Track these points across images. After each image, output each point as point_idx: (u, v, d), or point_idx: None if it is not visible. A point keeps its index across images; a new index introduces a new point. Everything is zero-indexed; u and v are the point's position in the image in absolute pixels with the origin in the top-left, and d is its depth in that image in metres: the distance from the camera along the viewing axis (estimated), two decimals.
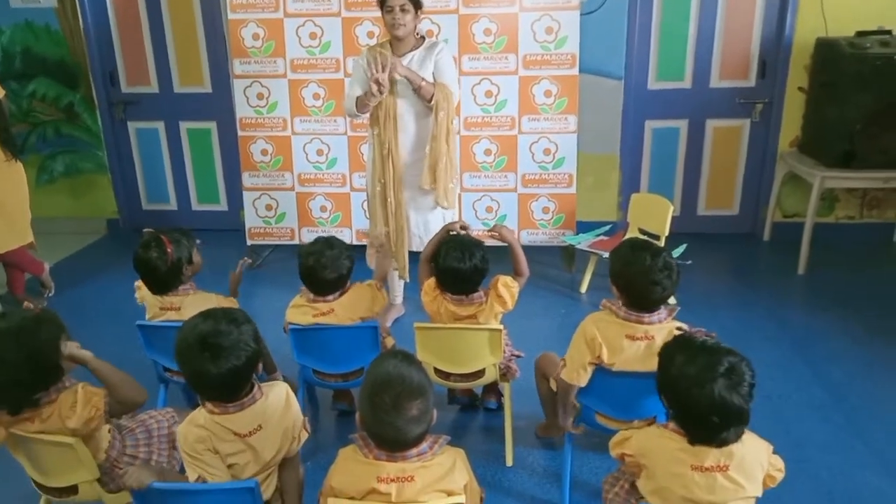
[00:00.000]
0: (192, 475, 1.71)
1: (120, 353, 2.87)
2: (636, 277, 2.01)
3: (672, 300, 3.61)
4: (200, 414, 1.75)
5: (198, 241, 2.57)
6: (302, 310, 2.52)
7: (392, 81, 3.06)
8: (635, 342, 2.04)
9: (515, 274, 2.52)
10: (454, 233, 2.61)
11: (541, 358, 2.53)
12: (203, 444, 1.71)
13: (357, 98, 3.14)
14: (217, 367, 1.66)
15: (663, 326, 2.04)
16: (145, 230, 2.52)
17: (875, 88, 3.76)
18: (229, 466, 1.75)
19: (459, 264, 2.39)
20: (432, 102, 3.12)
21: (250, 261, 2.80)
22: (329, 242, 2.52)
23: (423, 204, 3.28)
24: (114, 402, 1.94)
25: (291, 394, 1.85)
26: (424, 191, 3.26)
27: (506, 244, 2.62)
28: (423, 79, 3.09)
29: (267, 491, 1.82)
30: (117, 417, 2.06)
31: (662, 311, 2.07)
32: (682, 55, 4.42)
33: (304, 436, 1.87)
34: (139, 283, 2.55)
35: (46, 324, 1.88)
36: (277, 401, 1.81)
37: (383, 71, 2.99)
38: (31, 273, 4.00)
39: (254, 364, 1.74)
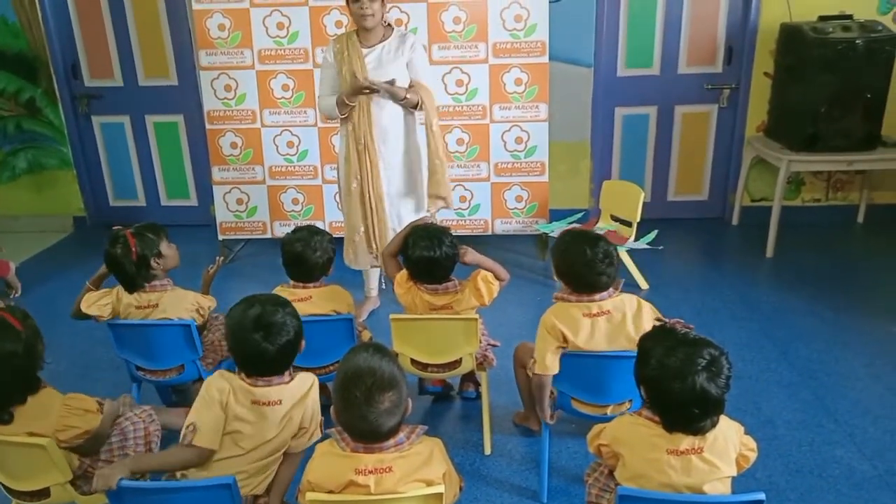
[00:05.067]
0: (189, 419, 1.79)
1: (90, 353, 2.84)
2: (580, 270, 2.11)
3: (643, 284, 3.67)
4: (233, 374, 1.86)
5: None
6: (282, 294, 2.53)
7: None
8: (593, 318, 2.11)
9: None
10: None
11: (519, 347, 2.55)
12: (221, 394, 1.80)
13: (337, 101, 3.10)
14: (273, 344, 1.80)
15: (614, 299, 2.12)
16: (114, 227, 2.48)
17: (837, 72, 3.83)
18: (230, 433, 1.78)
19: (429, 253, 2.39)
20: (419, 109, 3.13)
21: (223, 258, 2.78)
22: (311, 229, 2.60)
23: (397, 197, 3.27)
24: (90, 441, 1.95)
25: (316, 386, 1.91)
26: (397, 182, 3.25)
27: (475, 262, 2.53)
28: (405, 90, 3.09)
29: (261, 485, 1.84)
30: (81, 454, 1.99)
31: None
32: (650, 42, 4.46)
33: (317, 435, 1.89)
34: (104, 291, 2.49)
35: (31, 340, 1.87)
36: (302, 384, 1.88)
37: (368, 90, 3.00)
38: None
39: (300, 338, 1.89)
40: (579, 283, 2.13)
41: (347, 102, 3.07)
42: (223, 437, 1.80)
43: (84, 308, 2.43)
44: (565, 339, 2.12)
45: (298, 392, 1.86)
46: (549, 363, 2.14)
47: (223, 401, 1.79)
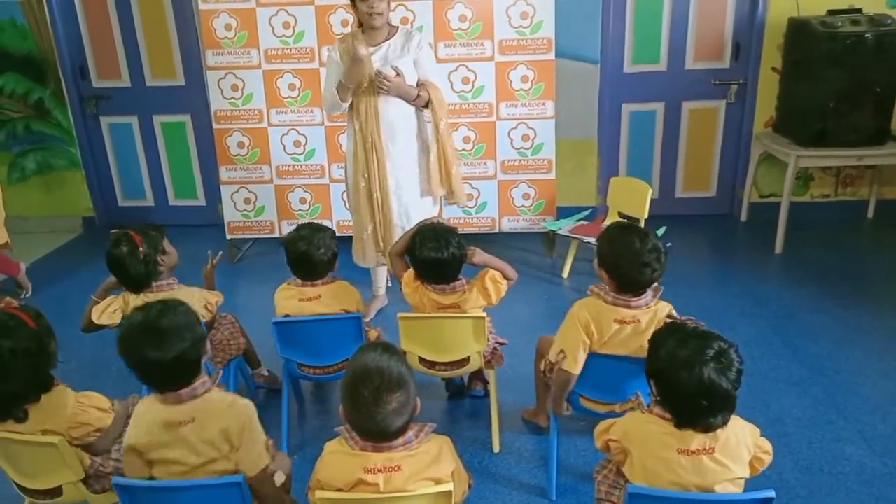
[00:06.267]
0: None
1: (99, 353, 2.85)
2: (626, 261, 2.02)
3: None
4: (148, 399, 1.75)
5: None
6: (290, 293, 2.55)
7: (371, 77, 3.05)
8: (623, 326, 2.05)
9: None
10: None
11: (541, 340, 2.51)
12: (137, 429, 1.71)
13: (338, 86, 3.07)
14: (165, 353, 1.64)
15: (650, 309, 2.06)
16: (112, 231, 2.49)
17: (846, 66, 3.81)
18: (164, 463, 1.71)
19: (437, 254, 2.38)
20: (428, 108, 3.13)
21: (221, 253, 2.77)
22: (314, 226, 2.59)
23: (405, 194, 3.27)
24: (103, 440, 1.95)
25: (246, 404, 1.75)
26: (406, 180, 3.25)
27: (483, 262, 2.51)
28: (416, 89, 3.09)
29: None
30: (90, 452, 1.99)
31: (648, 294, 2.08)
32: (656, 38, 4.44)
33: (266, 460, 1.75)
34: (110, 299, 2.49)
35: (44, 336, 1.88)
36: (221, 398, 1.75)
37: (380, 83, 2.99)
38: (7, 274, 3.94)
39: (199, 343, 1.71)
40: (624, 279, 2.04)
41: (345, 83, 3.02)
42: (160, 469, 1.72)
43: (95, 319, 2.44)
44: (591, 340, 2.08)
45: (217, 407, 1.71)
46: (579, 362, 2.08)
47: (138, 444, 1.69)
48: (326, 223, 4.22)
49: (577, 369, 2.09)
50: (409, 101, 3.12)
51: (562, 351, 2.11)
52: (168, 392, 1.71)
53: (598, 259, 2.12)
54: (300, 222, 4.17)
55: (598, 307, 2.08)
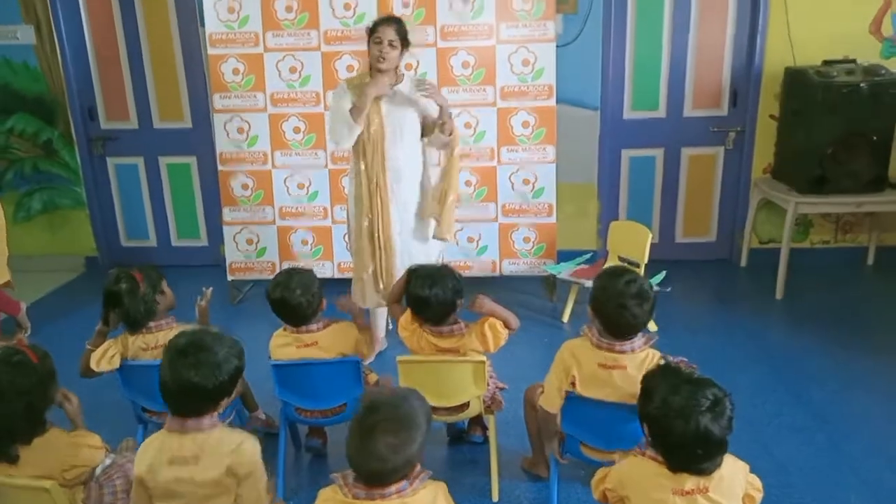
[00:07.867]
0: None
1: (97, 394, 2.83)
2: (608, 301, 2.07)
3: (652, 326, 3.64)
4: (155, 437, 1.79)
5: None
6: (286, 340, 2.53)
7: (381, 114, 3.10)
8: (607, 371, 2.07)
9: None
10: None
11: (529, 390, 2.51)
12: (139, 466, 1.74)
13: (351, 110, 3.07)
14: (205, 379, 1.70)
15: (636, 355, 2.07)
16: (111, 271, 2.51)
17: (842, 115, 3.86)
18: (161, 497, 1.73)
19: (422, 291, 2.39)
20: (451, 136, 3.19)
21: (211, 289, 2.76)
22: (289, 270, 2.57)
23: (408, 236, 3.29)
24: None
25: (253, 446, 1.78)
26: (409, 223, 3.27)
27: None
28: (448, 104, 3.16)
29: None
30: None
31: (637, 340, 2.09)
32: (655, 85, 4.52)
33: (265, 502, 1.79)
34: (108, 343, 2.49)
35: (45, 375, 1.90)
36: (230, 439, 1.76)
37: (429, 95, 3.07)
38: (7, 313, 3.93)
39: (221, 390, 1.75)
40: (604, 317, 2.08)
41: (359, 105, 3.04)
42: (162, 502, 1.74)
43: (94, 366, 2.43)
44: (573, 382, 2.11)
45: (224, 448, 1.73)
46: (554, 400, 2.14)
47: (140, 473, 1.73)
48: (328, 264, 4.27)
49: (551, 406, 2.15)
50: (440, 118, 3.13)
51: (541, 386, 2.20)
52: (175, 418, 1.74)
53: (589, 298, 2.18)
54: (301, 263, 4.24)
55: (584, 348, 2.13)
